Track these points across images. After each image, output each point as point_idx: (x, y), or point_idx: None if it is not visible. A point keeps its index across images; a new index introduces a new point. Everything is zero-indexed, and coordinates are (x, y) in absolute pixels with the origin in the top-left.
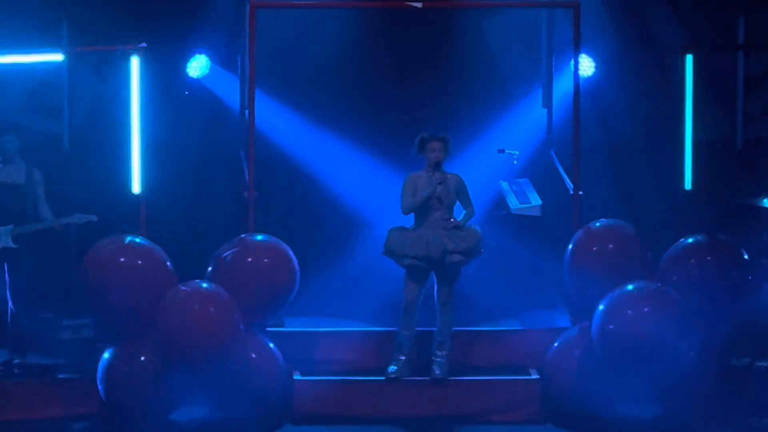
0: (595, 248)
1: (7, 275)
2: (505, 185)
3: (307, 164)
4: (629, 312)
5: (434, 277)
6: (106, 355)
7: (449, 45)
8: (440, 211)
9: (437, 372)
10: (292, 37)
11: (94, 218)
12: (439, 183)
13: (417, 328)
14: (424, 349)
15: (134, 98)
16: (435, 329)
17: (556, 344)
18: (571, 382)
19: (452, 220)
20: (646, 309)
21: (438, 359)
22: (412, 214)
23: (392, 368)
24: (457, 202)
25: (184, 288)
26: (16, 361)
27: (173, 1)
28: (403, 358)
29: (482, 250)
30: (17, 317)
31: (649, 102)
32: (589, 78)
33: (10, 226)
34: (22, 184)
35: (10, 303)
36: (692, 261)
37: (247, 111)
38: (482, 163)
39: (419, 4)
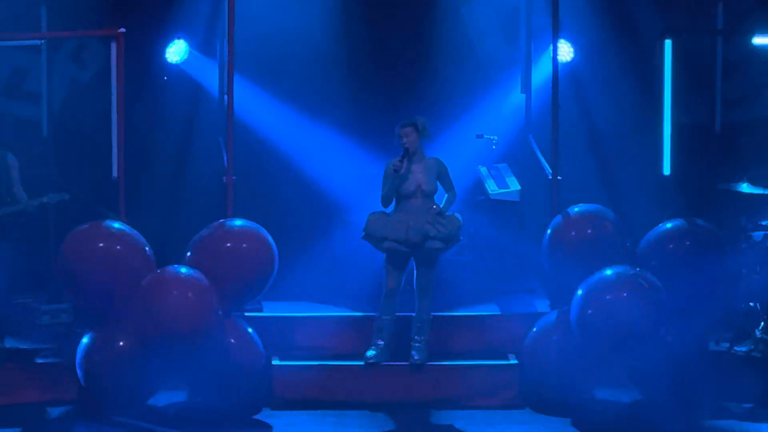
0: (573, 233)
1: None
2: (483, 170)
3: (286, 149)
4: (608, 297)
5: (413, 262)
6: (84, 340)
7: (428, 30)
8: (420, 198)
9: (416, 357)
10: (272, 22)
11: (67, 196)
12: (395, 170)
13: (397, 314)
14: (402, 334)
15: (114, 83)
16: (414, 314)
17: (534, 329)
18: (550, 367)
19: (434, 207)
20: (624, 294)
21: (416, 344)
22: (394, 201)
23: (371, 353)
24: (440, 187)
25: (162, 273)
26: None
27: None
28: (381, 343)
29: (461, 237)
30: None
31: (628, 87)
32: (568, 63)
33: None
34: None
35: None
36: (671, 246)
37: (226, 96)
38: (461, 148)
39: None
